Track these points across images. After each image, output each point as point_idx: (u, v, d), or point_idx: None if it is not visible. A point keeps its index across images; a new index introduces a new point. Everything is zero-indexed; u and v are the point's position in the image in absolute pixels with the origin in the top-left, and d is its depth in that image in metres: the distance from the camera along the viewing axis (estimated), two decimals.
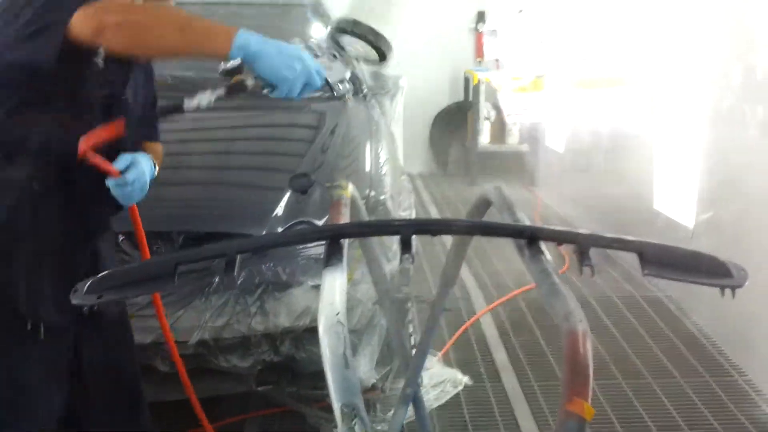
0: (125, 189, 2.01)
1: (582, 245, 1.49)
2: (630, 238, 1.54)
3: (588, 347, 1.19)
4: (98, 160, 1.95)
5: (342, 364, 1.19)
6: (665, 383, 3.69)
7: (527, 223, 1.63)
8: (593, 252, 1.47)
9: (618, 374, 3.76)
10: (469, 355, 3.97)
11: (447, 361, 3.83)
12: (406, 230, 1.51)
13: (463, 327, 4.24)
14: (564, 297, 1.32)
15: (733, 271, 1.49)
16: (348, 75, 3.89)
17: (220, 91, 2.08)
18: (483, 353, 4.00)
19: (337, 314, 1.24)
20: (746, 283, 1.49)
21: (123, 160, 2.02)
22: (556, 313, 1.28)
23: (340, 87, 3.80)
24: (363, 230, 1.68)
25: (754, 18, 4.00)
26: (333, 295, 1.30)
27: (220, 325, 2.68)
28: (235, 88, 2.04)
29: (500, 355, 3.96)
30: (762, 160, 3.77)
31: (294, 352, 2.75)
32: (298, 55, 1.88)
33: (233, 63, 1.90)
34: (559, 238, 1.59)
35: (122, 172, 2.00)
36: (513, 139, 8.31)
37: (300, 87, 1.90)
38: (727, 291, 1.47)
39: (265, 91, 1.94)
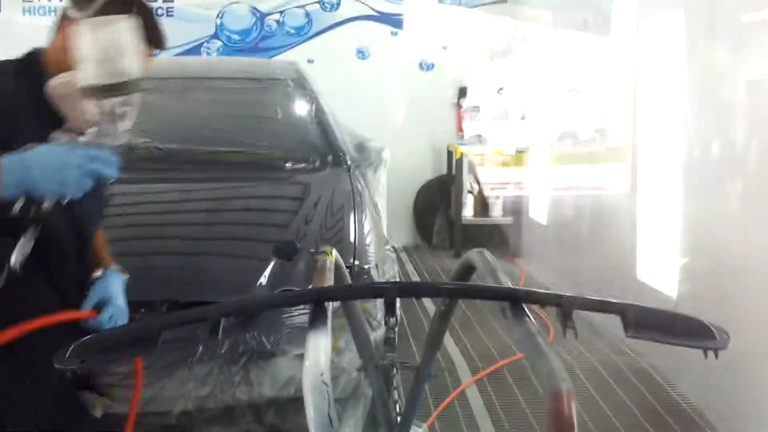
0: (107, 326, 1.98)
1: (565, 307, 1.51)
2: (612, 300, 1.55)
3: (572, 407, 1.19)
4: (63, 317, 1.93)
5: (327, 423, 1.19)
6: None
7: (510, 286, 1.64)
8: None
9: None
10: (455, 427, 3.94)
11: None
12: (389, 293, 1.51)
13: (449, 398, 4.21)
14: (547, 357, 1.32)
15: (716, 334, 1.50)
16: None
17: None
18: (469, 425, 3.97)
19: (322, 374, 1.25)
20: (729, 345, 1.50)
21: (93, 297, 2.00)
22: (540, 373, 1.28)
23: None
24: (347, 293, 1.69)
25: (732, 92, 4.09)
26: (318, 355, 1.31)
27: (204, 395, 2.66)
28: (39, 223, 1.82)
29: (486, 427, 3.93)
30: (742, 231, 3.82)
31: (278, 423, 2.72)
32: (67, 163, 1.73)
33: (17, 203, 1.75)
34: (541, 300, 1.60)
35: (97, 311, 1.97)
36: (496, 212, 8.38)
37: (90, 183, 1.78)
38: (711, 353, 1.48)
39: None
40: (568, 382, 1.23)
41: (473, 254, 1.90)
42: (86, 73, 1.86)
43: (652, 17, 5.03)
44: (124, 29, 1.89)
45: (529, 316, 1.47)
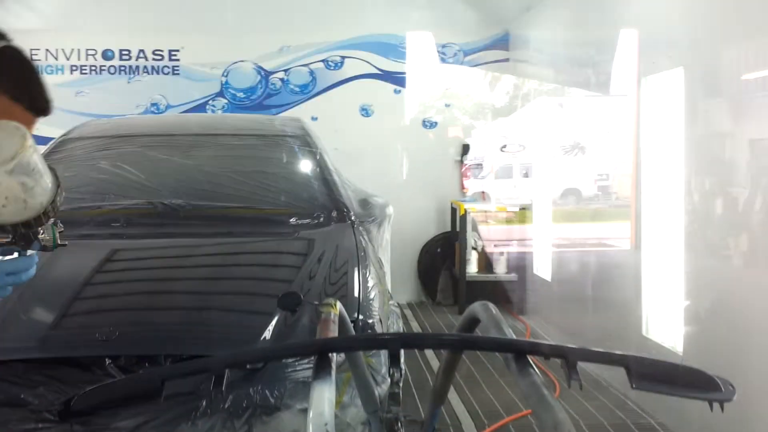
0: None
1: (569, 359, 1.51)
2: (617, 352, 1.55)
3: None
4: None
5: None
6: None
7: (515, 338, 1.65)
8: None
9: None
10: None
11: None
12: (393, 344, 1.52)
13: None
14: (552, 408, 1.32)
15: (721, 385, 1.49)
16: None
17: None
18: None
19: (326, 425, 1.24)
20: (734, 398, 1.50)
21: None
22: (545, 424, 1.28)
23: None
24: (351, 344, 1.69)
25: (733, 150, 4.12)
26: (322, 406, 1.31)
27: None
28: None
29: None
30: (746, 288, 3.82)
31: None
32: None
33: None
34: (546, 351, 1.60)
35: None
36: (500, 269, 8.37)
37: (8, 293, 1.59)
38: (716, 406, 1.48)
39: None
40: None
41: (477, 306, 1.90)
42: None
43: (653, 75, 5.08)
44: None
45: (534, 368, 1.47)
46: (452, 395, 5.12)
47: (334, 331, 1.70)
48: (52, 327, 3.10)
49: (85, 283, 3.43)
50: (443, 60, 9.06)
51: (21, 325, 3.10)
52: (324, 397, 1.34)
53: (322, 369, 1.44)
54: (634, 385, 1.48)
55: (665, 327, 4.79)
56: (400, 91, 8.98)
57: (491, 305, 1.87)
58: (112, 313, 3.29)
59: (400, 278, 8.27)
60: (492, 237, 8.61)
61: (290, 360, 2.79)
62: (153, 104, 8.86)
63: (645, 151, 5.17)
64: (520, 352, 1.51)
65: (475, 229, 8.53)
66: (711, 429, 3.87)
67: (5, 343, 3.00)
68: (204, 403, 2.62)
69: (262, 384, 2.74)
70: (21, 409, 2.65)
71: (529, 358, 1.51)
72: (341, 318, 1.86)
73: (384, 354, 2.74)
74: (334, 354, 1.50)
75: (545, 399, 1.35)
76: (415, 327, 7.57)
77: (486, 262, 8.48)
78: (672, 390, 1.57)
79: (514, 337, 1.67)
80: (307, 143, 4.79)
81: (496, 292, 8.13)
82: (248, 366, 2.65)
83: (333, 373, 1.44)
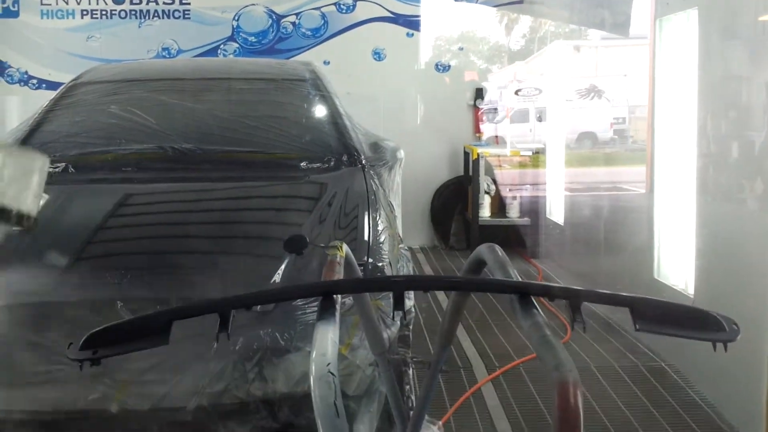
0: None
1: (574, 300, 1.51)
2: (621, 293, 1.55)
3: (579, 397, 1.19)
4: None
5: (333, 413, 1.20)
6: None
7: (519, 279, 1.65)
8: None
9: None
10: (470, 425, 3.94)
11: (448, 430, 3.80)
12: (398, 286, 1.52)
13: (465, 395, 4.21)
14: (555, 348, 1.32)
15: (726, 326, 1.49)
16: None
17: None
18: (485, 422, 3.97)
19: (329, 365, 1.25)
20: (738, 338, 1.49)
21: None
22: (547, 364, 1.28)
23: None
24: (355, 286, 1.70)
25: (749, 92, 4.08)
26: (325, 347, 1.32)
27: (218, 390, 2.67)
28: None
29: (502, 425, 3.93)
30: (759, 231, 3.80)
31: (292, 419, 2.73)
32: None
33: None
34: (549, 293, 1.60)
35: None
36: (513, 213, 8.36)
37: None
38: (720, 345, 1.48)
39: None
40: (575, 373, 1.23)
41: (483, 249, 1.90)
42: None
43: (669, 17, 5.01)
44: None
45: (537, 309, 1.48)
46: (463, 338, 5.16)
47: (339, 273, 1.71)
48: (65, 271, 3.13)
49: (97, 227, 3.45)
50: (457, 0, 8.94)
51: (33, 268, 3.14)
52: (327, 338, 1.35)
53: (326, 311, 1.45)
54: (637, 327, 1.48)
55: (677, 270, 4.78)
56: (412, 34, 8.89)
57: (497, 247, 1.87)
58: (123, 256, 3.32)
59: (413, 223, 8.29)
60: (505, 181, 8.59)
61: (300, 302, 2.81)
62: (164, 49, 8.82)
63: (660, 94, 5.12)
64: (523, 293, 1.52)
65: (488, 173, 8.51)
66: (724, 371, 3.89)
67: (19, 286, 3.04)
68: (215, 345, 2.64)
69: (273, 326, 2.76)
70: (33, 351, 2.69)
71: (534, 300, 1.52)
72: (348, 260, 1.86)
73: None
74: (339, 296, 1.51)
75: (548, 340, 1.35)
76: (428, 271, 7.60)
77: (499, 206, 8.47)
78: (676, 331, 1.57)
79: (519, 279, 1.67)
80: (317, 87, 4.76)
81: (509, 236, 8.14)
82: (256, 308, 2.67)
83: (337, 314, 1.45)
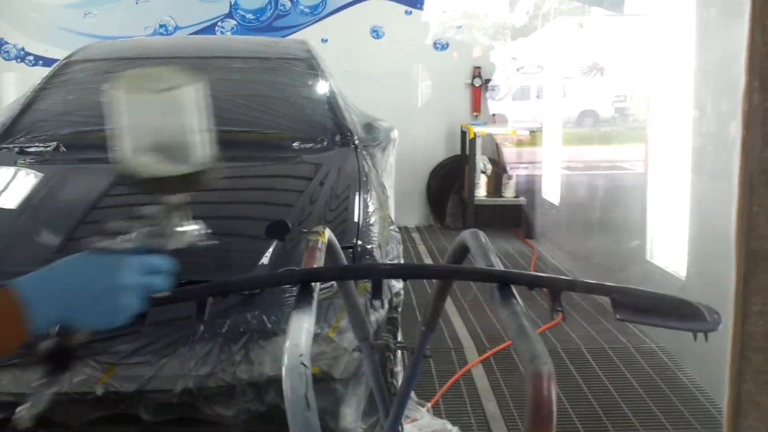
0: None
1: (553, 289, 1.51)
2: (602, 283, 1.55)
3: (552, 390, 1.19)
4: None
5: (303, 405, 1.19)
6: None
7: (501, 268, 1.64)
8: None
9: (610, 426, 3.73)
10: (459, 406, 3.95)
11: (437, 412, 3.81)
12: (377, 274, 1.52)
13: (454, 377, 4.22)
14: (531, 340, 1.32)
15: (707, 315, 1.49)
16: None
17: None
18: (474, 404, 3.98)
19: (301, 356, 1.25)
20: (719, 327, 1.49)
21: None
22: (522, 356, 1.28)
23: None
24: (334, 274, 1.69)
25: (739, 72, 4.04)
26: (299, 336, 1.31)
27: (205, 373, 2.67)
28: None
29: (491, 406, 3.94)
30: None
31: (279, 402, 2.72)
32: (118, 284, 1.22)
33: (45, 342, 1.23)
34: (529, 282, 1.60)
35: None
36: (509, 192, 8.35)
37: (144, 306, 1.26)
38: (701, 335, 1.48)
39: None
40: (550, 366, 1.23)
41: (467, 235, 1.89)
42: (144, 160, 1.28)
43: None
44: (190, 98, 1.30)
45: (516, 298, 1.47)
46: (455, 319, 5.16)
47: (319, 260, 1.70)
48: (58, 250, 3.12)
49: (89, 207, 3.44)
50: None
51: (26, 247, 3.13)
52: (302, 327, 1.34)
53: (303, 299, 1.44)
54: (618, 316, 1.48)
55: (669, 252, 4.78)
56: (411, 12, 8.84)
57: (481, 233, 1.87)
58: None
59: (409, 202, 8.28)
60: (502, 160, 8.58)
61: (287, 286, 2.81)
62: (161, 26, 8.77)
63: (658, 72, 5.09)
64: (504, 282, 1.52)
65: (486, 152, 8.49)
66: (713, 353, 3.89)
67: (8, 267, 3.03)
68: (201, 327, 2.65)
69: (260, 309, 2.76)
70: None
71: (513, 288, 1.51)
72: (331, 246, 1.85)
73: (384, 281, 2.75)
74: (317, 284, 1.50)
75: (525, 330, 1.35)
76: (423, 250, 7.59)
77: (495, 186, 8.46)
78: (657, 320, 1.57)
79: (501, 266, 1.67)
80: (312, 66, 4.75)
81: (505, 216, 8.14)
82: (239, 293, 2.67)
83: (314, 303, 1.45)
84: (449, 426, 3.62)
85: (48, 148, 4.00)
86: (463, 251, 1.93)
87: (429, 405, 3.82)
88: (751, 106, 1.54)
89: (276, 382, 2.73)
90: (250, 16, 8.87)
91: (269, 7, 8.87)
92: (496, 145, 8.63)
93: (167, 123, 1.27)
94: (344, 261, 1.99)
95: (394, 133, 4.62)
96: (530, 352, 1.27)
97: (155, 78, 1.26)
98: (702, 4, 4.40)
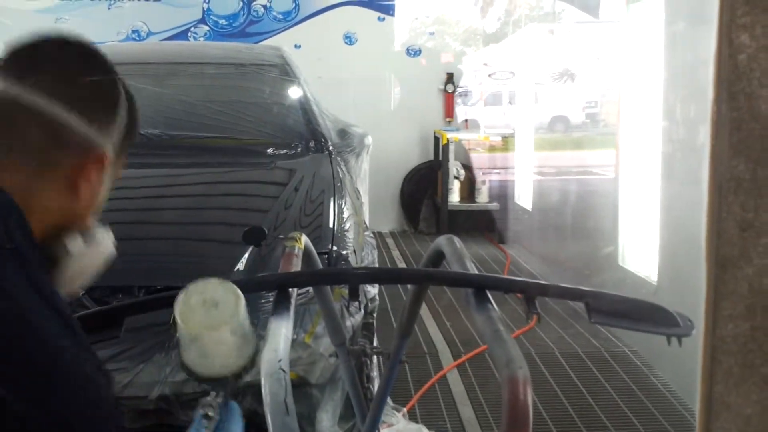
0: None
1: (528, 294, 1.54)
2: (576, 287, 1.57)
3: (528, 394, 1.20)
4: None
5: (282, 410, 1.20)
6: None
7: (476, 273, 1.66)
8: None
9: (584, 429, 3.76)
10: (435, 411, 3.96)
11: (413, 417, 3.82)
12: (354, 279, 1.53)
13: (430, 382, 4.24)
14: (506, 344, 1.33)
15: (680, 321, 1.52)
16: None
17: None
18: (449, 409, 3.99)
19: (280, 361, 1.26)
20: (693, 332, 1.52)
21: None
22: (498, 360, 1.30)
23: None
24: (311, 279, 1.70)
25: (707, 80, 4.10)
26: (277, 342, 1.32)
27: (181, 379, 2.67)
28: None
29: (466, 411, 3.96)
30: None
31: (256, 407, 2.73)
32: None
33: None
34: (505, 287, 1.62)
35: None
36: (482, 198, 8.39)
37: None
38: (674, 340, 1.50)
39: None
40: (526, 370, 1.24)
41: (442, 240, 1.92)
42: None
43: (639, 1, 5.03)
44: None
45: (491, 303, 1.49)
46: (430, 324, 5.18)
47: (296, 266, 1.71)
48: None
49: None
50: None
51: None
52: (280, 333, 1.36)
53: (280, 304, 1.46)
54: (592, 320, 1.50)
55: (641, 256, 4.82)
56: (383, 18, 8.87)
57: (456, 239, 1.89)
58: None
59: (383, 207, 8.29)
60: (475, 166, 8.62)
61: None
62: (134, 31, 8.73)
63: (629, 78, 5.14)
64: (479, 287, 1.53)
65: (459, 158, 8.52)
66: (686, 357, 3.93)
67: None
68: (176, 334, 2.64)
69: None
70: None
71: (488, 294, 1.53)
72: (308, 251, 1.87)
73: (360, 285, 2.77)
74: (294, 290, 1.52)
75: (500, 335, 1.36)
76: (397, 255, 7.61)
77: (468, 191, 8.50)
78: (631, 324, 1.60)
79: (476, 271, 1.69)
80: (285, 72, 4.75)
81: (478, 222, 8.17)
82: None
83: (292, 308, 1.46)
84: (425, 430, 3.63)
85: None
86: (438, 257, 1.95)
87: (405, 410, 3.83)
88: (720, 116, 1.57)
89: (253, 387, 2.73)
90: (223, 21, 8.86)
91: (242, 13, 8.86)
92: (466, 151, 8.67)
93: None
94: (320, 266, 2.01)
95: (368, 139, 4.64)
96: (506, 357, 1.29)
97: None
98: (671, 12, 4.46)
